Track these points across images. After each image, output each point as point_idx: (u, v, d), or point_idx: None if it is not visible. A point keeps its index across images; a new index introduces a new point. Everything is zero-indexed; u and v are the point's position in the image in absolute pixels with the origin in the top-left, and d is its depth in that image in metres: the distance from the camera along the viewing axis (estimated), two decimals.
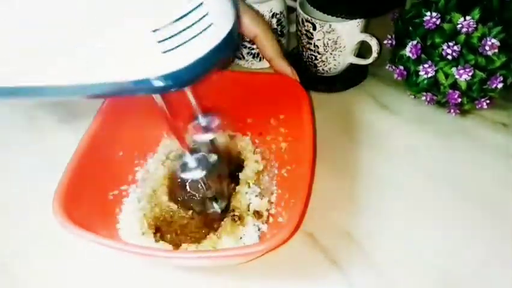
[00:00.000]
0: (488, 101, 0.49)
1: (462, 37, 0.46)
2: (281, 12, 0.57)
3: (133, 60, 0.26)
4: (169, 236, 0.41)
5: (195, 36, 0.26)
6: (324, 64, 0.56)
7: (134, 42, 0.25)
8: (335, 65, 0.56)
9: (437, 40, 0.47)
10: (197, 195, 0.40)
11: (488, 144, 0.49)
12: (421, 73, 0.48)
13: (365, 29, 0.54)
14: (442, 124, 0.52)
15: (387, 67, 0.54)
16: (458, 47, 0.46)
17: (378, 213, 0.44)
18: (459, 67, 0.47)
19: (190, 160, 0.37)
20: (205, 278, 0.40)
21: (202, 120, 0.39)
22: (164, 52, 0.25)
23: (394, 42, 0.52)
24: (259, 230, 0.42)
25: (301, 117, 0.42)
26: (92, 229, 0.35)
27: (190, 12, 0.25)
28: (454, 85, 0.48)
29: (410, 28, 0.50)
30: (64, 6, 0.24)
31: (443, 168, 0.47)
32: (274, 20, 0.57)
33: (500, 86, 0.47)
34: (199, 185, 0.38)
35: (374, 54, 0.53)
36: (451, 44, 0.46)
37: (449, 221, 0.43)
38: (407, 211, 0.44)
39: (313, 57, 0.55)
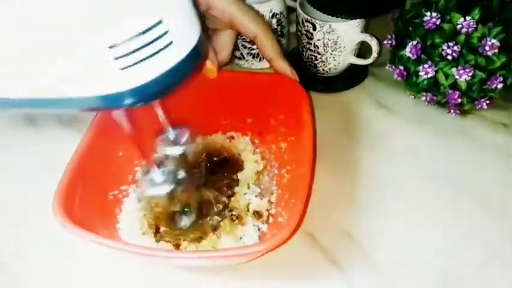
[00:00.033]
0: (488, 101, 0.49)
1: (462, 37, 0.46)
2: (281, 13, 0.57)
3: (93, 77, 0.26)
4: (169, 236, 0.41)
5: (154, 53, 0.25)
6: (324, 64, 0.56)
7: (92, 58, 0.25)
8: (335, 65, 0.56)
9: (437, 40, 0.47)
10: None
11: (488, 144, 0.49)
12: (421, 73, 0.48)
13: (365, 29, 0.54)
14: (442, 124, 0.52)
15: (387, 67, 0.54)
16: (458, 47, 0.46)
17: (378, 213, 0.44)
18: (459, 67, 0.47)
19: (157, 175, 0.36)
20: (205, 278, 0.40)
21: (171, 134, 0.38)
22: (122, 69, 0.25)
23: (394, 43, 0.52)
24: (259, 230, 0.42)
25: (301, 117, 0.42)
26: (92, 229, 0.35)
27: (148, 29, 0.25)
28: (454, 85, 0.48)
29: (410, 28, 0.50)
30: (27, 22, 0.24)
31: (443, 168, 0.47)
32: (274, 20, 0.57)
33: (500, 86, 0.47)
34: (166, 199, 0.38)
35: (374, 55, 0.53)
36: (451, 44, 0.46)
37: (449, 221, 0.43)
38: (407, 211, 0.44)
39: (314, 58, 0.55)
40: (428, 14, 0.47)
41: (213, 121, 0.49)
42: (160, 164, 0.38)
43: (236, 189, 0.44)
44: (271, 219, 0.43)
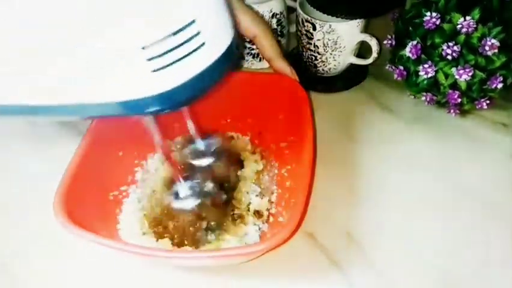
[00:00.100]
0: (488, 101, 0.49)
1: (462, 37, 0.46)
2: (281, 13, 0.57)
3: (123, 80, 0.24)
4: (169, 236, 0.41)
5: (186, 55, 0.24)
6: (324, 64, 0.56)
7: (123, 60, 0.24)
8: (335, 65, 0.56)
9: (437, 40, 0.47)
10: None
11: (488, 144, 0.49)
12: (421, 73, 0.48)
13: (365, 29, 0.54)
14: (442, 124, 0.52)
15: (387, 67, 0.54)
16: (458, 47, 0.46)
17: (378, 213, 0.44)
18: (459, 67, 0.47)
19: (183, 188, 0.35)
20: (205, 278, 0.40)
21: (200, 144, 0.36)
22: (154, 71, 0.24)
23: (394, 42, 0.52)
24: (259, 229, 0.42)
25: (301, 117, 0.42)
26: (92, 229, 0.35)
27: (181, 29, 0.24)
28: (454, 85, 0.48)
29: (410, 28, 0.50)
30: (52, 20, 0.23)
31: (443, 168, 0.47)
32: (274, 20, 0.57)
33: (500, 86, 0.47)
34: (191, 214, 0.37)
35: (374, 55, 0.53)
36: (450, 44, 0.46)
37: (449, 221, 0.43)
38: (407, 211, 0.44)
39: (313, 58, 0.55)
40: (428, 14, 0.47)
41: (213, 121, 0.49)
42: (187, 175, 0.36)
43: (237, 189, 0.44)
44: (271, 219, 0.43)
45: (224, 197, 0.42)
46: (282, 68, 0.46)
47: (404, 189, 0.46)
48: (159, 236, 0.41)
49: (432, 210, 0.44)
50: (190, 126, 0.35)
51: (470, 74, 0.46)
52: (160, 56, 0.24)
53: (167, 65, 0.24)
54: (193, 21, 0.24)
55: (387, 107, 0.54)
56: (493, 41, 0.45)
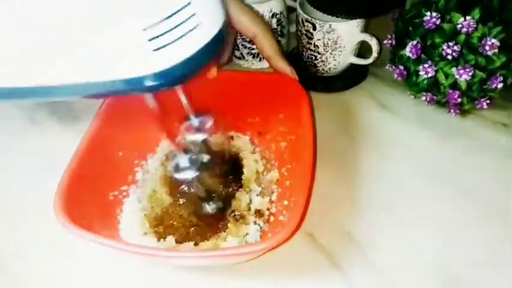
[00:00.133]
0: (488, 101, 0.49)
1: (462, 37, 0.46)
2: (281, 12, 0.57)
3: (126, 59, 0.27)
4: (170, 236, 0.41)
5: (183, 35, 0.27)
6: (324, 64, 0.56)
7: (126, 41, 0.26)
8: (335, 65, 0.56)
9: (437, 40, 0.47)
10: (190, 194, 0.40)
11: (488, 144, 0.49)
12: (421, 73, 0.48)
13: (365, 29, 0.54)
14: (442, 124, 0.52)
15: (387, 67, 0.54)
16: (458, 47, 0.46)
17: (378, 213, 0.44)
18: (459, 67, 0.47)
19: (183, 160, 0.37)
20: (205, 277, 0.40)
21: (195, 121, 0.39)
22: (155, 50, 0.26)
23: (394, 42, 0.52)
24: (260, 228, 0.42)
25: (301, 116, 0.42)
26: (93, 229, 0.35)
27: (178, 11, 0.26)
28: (454, 85, 0.48)
29: (410, 28, 0.50)
30: (57, 7, 0.25)
31: (443, 168, 0.47)
32: (274, 20, 0.57)
33: (500, 86, 0.47)
34: (192, 185, 0.39)
35: (374, 54, 0.53)
36: (450, 44, 0.46)
37: (449, 221, 0.43)
38: (407, 211, 0.44)
39: (314, 57, 0.55)
40: (428, 13, 0.47)
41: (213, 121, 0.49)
42: (185, 149, 0.38)
43: (239, 188, 0.44)
44: (272, 218, 0.43)
45: (224, 168, 0.44)
46: (281, 68, 0.46)
47: (404, 189, 0.46)
48: (159, 235, 0.41)
49: (432, 210, 0.44)
50: (185, 103, 0.37)
51: (470, 73, 0.46)
52: (159, 36, 0.26)
53: (167, 45, 0.26)
54: (189, 4, 0.26)
55: (387, 107, 0.54)
56: (493, 40, 0.45)
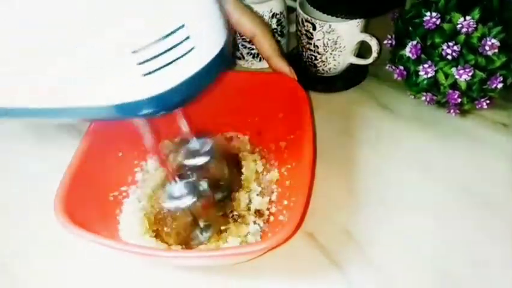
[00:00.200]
0: (488, 101, 0.49)
1: (462, 37, 0.46)
2: (281, 13, 0.57)
3: (115, 83, 0.25)
4: (170, 236, 0.41)
5: (176, 59, 0.25)
6: (324, 64, 0.56)
7: (114, 64, 0.24)
8: (334, 65, 0.56)
9: (437, 40, 0.47)
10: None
11: (488, 144, 0.49)
12: (421, 73, 0.48)
13: (365, 29, 0.54)
14: (442, 124, 0.52)
15: (387, 67, 0.54)
16: (458, 47, 0.46)
17: (378, 213, 0.44)
18: (459, 67, 0.47)
19: (178, 187, 0.35)
20: (205, 277, 0.40)
21: (194, 144, 0.37)
22: (145, 75, 0.24)
23: (394, 42, 0.52)
24: (260, 228, 0.42)
25: (300, 116, 0.42)
26: (93, 229, 0.35)
27: (170, 33, 0.24)
28: (454, 85, 0.48)
29: (410, 28, 0.50)
30: (43, 24, 0.23)
31: (443, 168, 0.47)
32: (274, 20, 0.57)
33: (500, 86, 0.47)
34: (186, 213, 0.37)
35: (374, 54, 0.53)
36: (450, 44, 0.46)
37: (449, 221, 0.43)
38: (406, 211, 0.44)
39: (313, 58, 0.55)
40: (428, 13, 0.47)
41: (212, 121, 0.49)
42: (181, 175, 0.36)
43: (239, 188, 0.44)
44: (272, 218, 0.43)
45: (219, 195, 0.42)
46: (281, 68, 0.46)
47: (404, 189, 0.46)
48: (159, 236, 0.41)
49: (431, 209, 0.44)
50: (184, 126, 0.35)
51: (470, 74, 0.46)
52: (150, 59, 0.24)
53: (158, 69, 0.25)
54: (182, 26, 0.24)
55: (387, 107, 0.54)
56: (493, 40, 0.45)
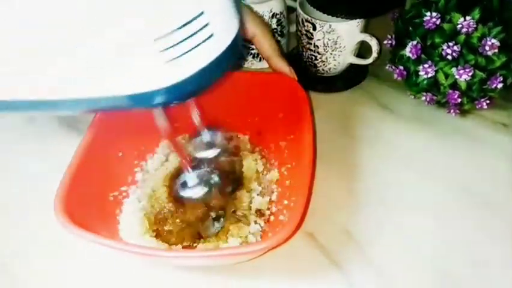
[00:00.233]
0: (488, 101, 0.49)
1: (462, 37, 0.46)
2: (281, 13, 0.57)
3: (136, 72, 0.25)
4: (170, 236, 0.41)
5: (196, 46, 0.25)
6: (324, 64, 0.56)
7: (136, 52, 0.24)
8: (335, 65, 0.56)
9: (437, 40, 0.47)
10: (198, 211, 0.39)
11: (488, 144, 0.49)
12: (421, 73, 0.48)
13: (365, 29, 0.54)
14: (442, 124, 0.52)
15: (387, 67, 0.54)
16: (458, 47, 0.46)
17: (378, 213, 0.44)
18: (459, 67, 0.47)
19: (191, 177, 0.36)
20: (205, 277, 0.40)
21: (206, 136, 0.37)
22: (167, 62, 0.25)
23: (394, 42, 0.52)
24: (261, 228, 0.42)
25: (300, 116, 0.42)
26: (93, 229, 0.35)
27: (191, 21, 0.24)
28: (454, 85, 0.48)
29: (410, 28, 0.50)
30: (60, 12, 0.24)
31: (443, 168, 0.47)
32: (274, 20, 0.57)
33: (500, 86, 0.47)
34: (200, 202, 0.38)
35: (374, 54, 0.53)
36: (450, 44, 0.46)
37: (449, 221, 0.43)
38: (406, 211, 0.44)
39: (313, 58, 0.55)
40: (428, 14, 0.47)
41: (212, 120, 0.49)
42: (194, 166, 0.37)
43: (239, 188, 0.44)
44: (272, 218, 0.43)
45: (229, 189, 0.42)
46: (281, 67, 0.46)
47: (404, 189, 0.46)
48: (159, 235, 0.41)
49: (431, 209, 0.44)
50: (196, 117, 0.36)
51: (470, 74, 0.46)
52: (171, 47, 0.24)
53: (179, 56, 0.25)
54: (202, 13, 0.25)
55: (387, 107, 0.54)
56: (493, 41, 0.45)
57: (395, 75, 0.52)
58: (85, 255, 0.41)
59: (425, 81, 0.49)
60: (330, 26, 0.51)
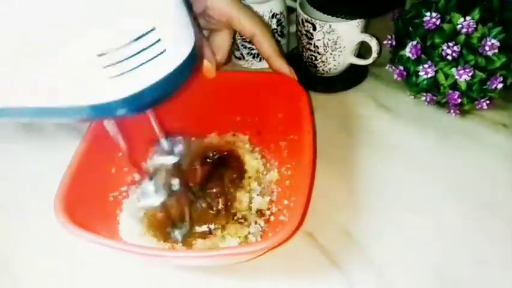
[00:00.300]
0: (488, 102, 0.49)
1: (462, 37, 0.46)
2: (281, 13, 0.57)
3: (85, 85, 0.25)
4: (165, 230, 0.41)
5: (146, 62, 0.25)
6: (324, 64, 0.56)
7: (80, 66, 0.24)
8: (335, 65, 0.56)
9: (437, 40, 0.48)
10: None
11: (488, 145, 0.49)
12: (421, 73, 0.48)
13: (365, 29, 0.54)
14: (442, 124, 0.52)
15: (387, 67, 0.54)
16: (458, 48, 0.46)
17: (378, 213, 0.44)
18: (459, 67, 0.47)
19: (149, 186, 0.36)
20: (205, 277, 0.40)
21: (165, 144, 0.37)
22: (111, 78, 0.24)
23: (394, 43, 0.52)
24: (261, 228, 0.42)
25: (300, 115, 0.42)
26: (93, 230, 0.35)
27: (140, 37, 0.24)
28: (454, 85, 0.48)
29: (410, 28, 0.50)
30: (12, 30, 0.23)
31: (443, 169, 0.47)
32: (274, 21, 0.57)
33: (500, 86, 0.47)
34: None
35: (374, 55, 0.53)
36: (450, 44, 0.46)
37: (449, 221, 0.43)
38: (406, 211, 0.44)
39: (314, 58, 0.55)
40: (428, 14, 0.47)
41: (212, 120, 0.49)
42: (152, 174, 0.37)
43: (239, 188, 0.44)
44: (272, 218, 0.43)
45: (191, 196, 0.42)
46: (280, 67, 0.46)
47: (404, 189, 0.46)
48: (159, 235, 0.41)
49: (431, 210, 0.44)
50: (155, 126, 0.35)
51: (470, 74, 0.46)
52: (117, 63, 0.24)
53: (125, 72, 0.24)
54: (153, 29, 0.24)
55: (387, 107, 0.54)
56: (493, 41, 0.45)
57: (395, 76, 0.52)
58: (84, 255, 0.41)
59: (425, 82, 0.49)
60: (330, 26, 0.51)
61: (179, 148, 0.37)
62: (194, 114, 0.46)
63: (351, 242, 0.42)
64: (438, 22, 0.47)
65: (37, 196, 0.42)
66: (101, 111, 0.26)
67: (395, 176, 0.47)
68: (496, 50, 0.46)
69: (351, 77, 0.58)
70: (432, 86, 0.50)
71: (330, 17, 0.51)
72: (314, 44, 0.53)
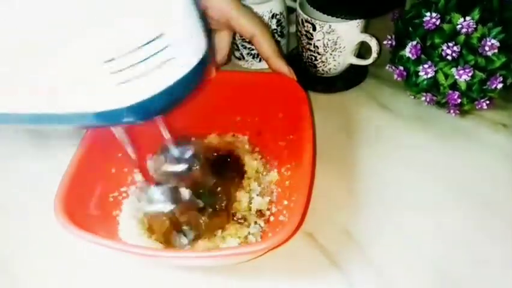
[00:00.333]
0: (488, 102, 0.49)
1: (462, 37, 0.46)
2: (281, 13, 0.57)
3: (88, 91, 0.24)
4: (170, 236, 0.41)
5: (153, 69, 0.24)
6: (324, 65, 0.56)
7: (86, 72, 0.23)
8: (334, 65, 0.56)
9: (437, 40, 0.47)
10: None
11: (488, 145, 0.49)
12: (421, 73, 0.48)
13: (365, 29, 0.54)
14: (442, 124, 0.52)
15: (387, 67, 0.54)
16: (457, 48, 0.46)
17: (378, 213, 0.44)
18: (459, 67, 0.47)
19: (157, 193, 0.36)
20: (205, 277, 0.40)
21: (175, 151, 0.36)
22: (118, 84, 0.24)
23: (394, 43, 0.52)
24: (261, 228, 0.42)
25: (300, 116, 0.42)
26: (92, 230, 0.35)
27: (147, 43, 0.23)
28: (454, 85, 0.48)
29: (410, 28, 0.50)
30: (15, 32, 0.23)
31: (443, 169, 0.47)
32: (274, 21, 0.57)
33: (500, 86, 0.47)
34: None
35: (374, 55, 0.53)
36: (450, 44, 0.46)
37: (449, 221, 0.43)
38: (406, 211, 0.44)
39: (313, 58, 0.55)
40: (428, 14, 0.47)
41: (212, 121, 0.49)
42: (161, 181, 0.36)
43: (239, 188, 0.44)
44: (272, 218, 0.43)
45: (200, 203, 0.41)
46: (280, 68, 0.46)
47: (404, 189, 0.46)
48: (159, 236, 0.41)
49: (431, 210, 0.44)
50: (165, 133, 0.35)
51: (470, 74, 0.46)
52: (124, 69, 0.23)
53: (132, 79, 0.24)
54: (161, 35, 0.24)
55: (387, 107, 0.54)
56: (493, 41, 0.45)
57: (395, 76, 0.52)
58: (84, 255, 0.41)
59: (425, 82, 0.49)
60: (330, 27, 0.51)
61: (187, 155, 0.37)
62: (194, 114, 0.45)
63: (351, 242, 0.42)
64: (438, 22, 0.47)
65: (37, 196, 0.42)
66: (107, 118, 0.25)
67: (395, 176, 0.47)
68: (496, 50, 0.46)
69: (351, 77, 0.58)
70: (432, 86, 0.50)
71: (330, 17, 0.51)
72: (314, 44, 0.53)
